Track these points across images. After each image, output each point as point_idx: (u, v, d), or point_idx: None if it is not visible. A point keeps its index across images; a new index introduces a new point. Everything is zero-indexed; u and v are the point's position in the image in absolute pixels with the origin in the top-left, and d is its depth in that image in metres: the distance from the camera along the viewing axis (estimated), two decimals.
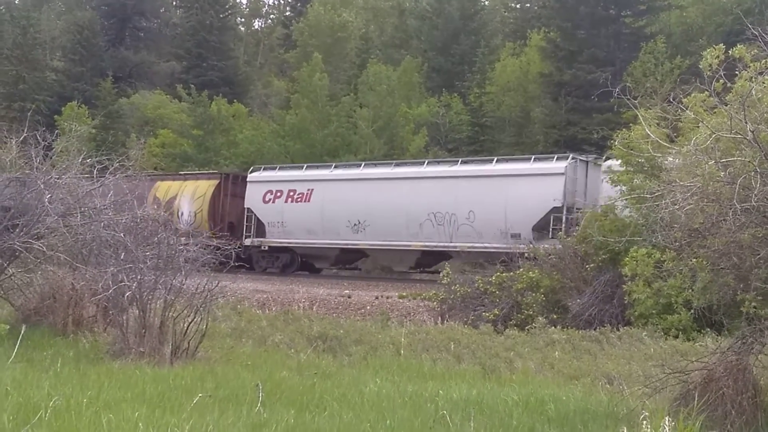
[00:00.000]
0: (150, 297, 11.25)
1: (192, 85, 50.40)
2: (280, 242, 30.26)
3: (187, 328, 11.10)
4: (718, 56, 7.84)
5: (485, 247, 25.98)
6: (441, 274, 19.92)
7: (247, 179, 32.24)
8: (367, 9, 66.77)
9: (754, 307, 7.45)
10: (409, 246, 27.99)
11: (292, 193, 30.75)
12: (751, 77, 7.57)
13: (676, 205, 7.49)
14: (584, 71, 41.59)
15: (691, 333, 14.32)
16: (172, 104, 52.63)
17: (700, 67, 8.03)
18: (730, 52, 7.83)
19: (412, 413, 7.77)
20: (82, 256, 13.51)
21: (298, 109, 44.76)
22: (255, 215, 31.34)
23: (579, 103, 41.94)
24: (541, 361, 12.27)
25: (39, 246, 13.18)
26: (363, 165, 31.88)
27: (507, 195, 25.76)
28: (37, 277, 13.96)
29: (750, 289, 7.43)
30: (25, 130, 15.52)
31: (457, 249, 26.98)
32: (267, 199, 31.12)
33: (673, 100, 9.10)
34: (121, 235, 12.75)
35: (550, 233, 24.48)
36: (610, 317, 15.96)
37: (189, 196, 31.53)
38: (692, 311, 13.74)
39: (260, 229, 31.10)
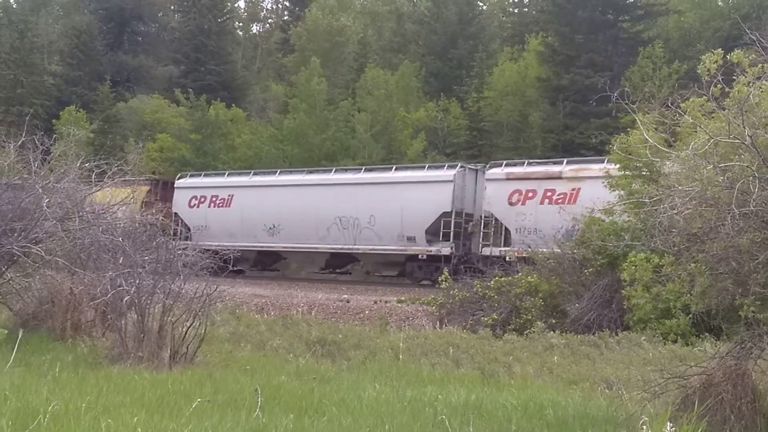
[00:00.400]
0: (148, 301, 11.24)
1: (190, 90, 50.46)
2: (204, 245, 31.59)
3: (185, 333, 11.09)
4: (716, 61, 7.85)
5: (385, 249, 28.46)
6: (439, 279, 19.92)
7: (175, 185, 34.13)
8: (365, 13, 66.86)
9: (753, 312, 7.44)
10: (318, 248, 30.00)
11: (214, 199, 32.71)
12: (749, 82, 7.58)
13: (674, 209, 7.49)
14: (582, 76, 41.62)
15: (690, 338, 14.31)
16: (170, 108, 52.65)
17: (698, 71, 8.04)
18: (728, 56, 7.84)
19: (411, 418, 7.76)
20: (81, 260, 13.49)
21: (296, 113, 44.81)
22: (182, 219, 33.08)
23: (577, 108, 41.96)
24: (539, 366, 12.26)
25: (37, 250, 13.18)
26: (278, 172, 33.94)
27: (403, 201, 27.95)
28: (35, 282, 13.96)
29: (749, 294, 7.42)
30: (23, 135, 15.52)
31: (360, 251, 29.28)
32: (192, 204, 32.97)
33: (672, 104, 9.11)
34: (120, 239, 12.76)
35: (441, 236, 27.00)
36: (609, 322, 15.95)
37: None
38: (691, 316, 13.75)
39: (186, 233, 32.65)
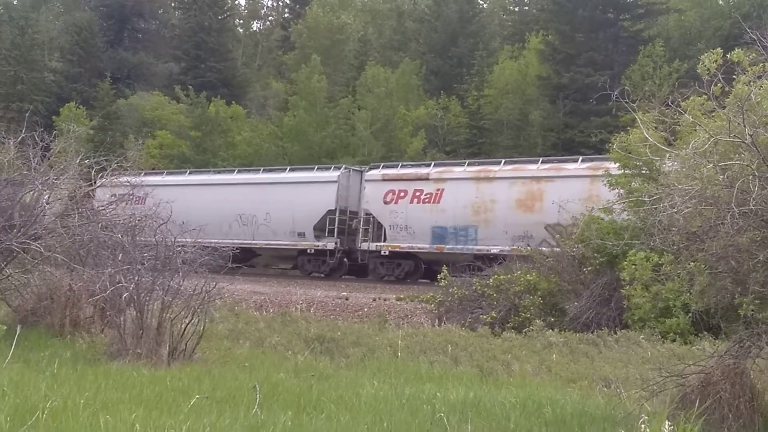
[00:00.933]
0: (147, 298, 11.24)
1: (190, 87, 50.46)
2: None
3: (184, 330, 11.09)
4: (716, 60, 7.84)
5: (279, 244, 30.93)
6: (438, 277, 19.91)
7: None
8: (366, 11, 66.86)
9: (752, 311, 7.43)
10: (221, 243, 31.27)
11: (129, 197, 34.18)
12: (750, 81, 7.57)
13: (674, 208, 7.49)
14: (582, 74, 41.62)
15: (689, 336, 14.30)
16: (171, 105, 52.66)
17: (698, 71, 8.03)
18: (728, 55, 7.82)
19: (410, 415, 7.76)
20: (80, 257, 13.49)
21: (296, 110, 44.83)
22: None
23: (577, 107, 41.97)
24: (538, 364, 12.25)
25: (36, 247, 13.17)
26: (188, 172, 36.07)
27: (294, 199, 30.34)
28: (34, 278, 13.94)
29: (748, 293, 7.42)
30: (23, 131, 15.52)
31: (258, 246, 31.47)
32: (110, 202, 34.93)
33: (672, 103, 9.10)
34: (119, 236, 12.76)
35: (326, 232, 29.58)
36: (608, 320, 15.93)
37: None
38: (690, 315, 13.74)
39: None
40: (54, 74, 60.35)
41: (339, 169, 30.78)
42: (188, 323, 11.16)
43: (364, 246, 28.76)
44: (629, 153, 15.33)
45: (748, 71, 7.67)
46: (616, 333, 14.79)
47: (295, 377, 10.13)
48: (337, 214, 29.49)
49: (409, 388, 9.43)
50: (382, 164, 30.85)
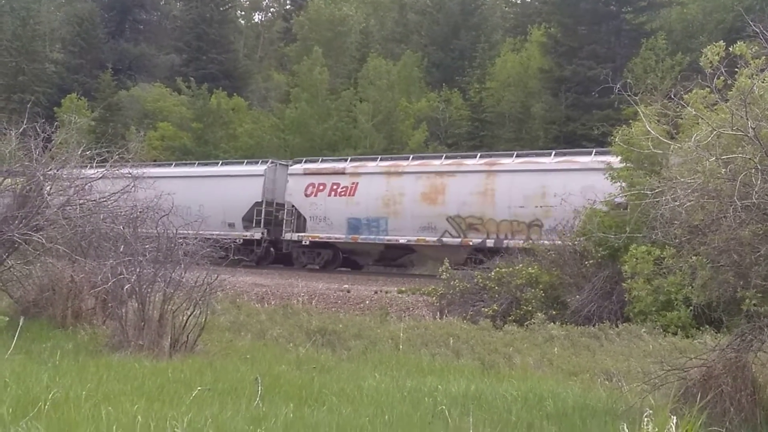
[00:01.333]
0: (149, 290, 11.25)
1: (192, 78, 50.42)
2: None
3: (186, 322, 11.10)
4: (718, 53, 7.82)
5: (211, 234, 31.60)
6: (440, 270, 19.92)
7: None
8: (368, 3, 66.65)
9: (754, 305, 7.43)
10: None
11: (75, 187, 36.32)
12: (752, 74, 7.56)
13: (676, 201, 7.48)
14: (585, 67, 41.54)
15: (691, 330, 14.30)
16: (172, 97, 52.61)
17: (701, 63, 8.01)
18: (730, 49, 7.81)
19: (411, 408, 7.77)
20: (82, 248, 13.50)
21: (297, 102, 44.79)
22: None
23: (579, 99, 41.89)
24: (540, 357, 12.26)
25: (38, 238, 13.18)
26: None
27: (224, 192, 32.05)
28: (36, 269, 13.97)
29: (750, 287, 7.41)
30: (25, 122, 15.51)
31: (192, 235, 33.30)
32: None
33: (674, 96, 9.08)
34: (121, 227, 12.76)
35: (254, 222, 31.39)
36: (609, 313, 15.93)
37: None
38: (692, 308, 13.72)
39: None
40: (55, 65, 60.32)
41: (266, 163, 32.32)
42: (190, 315, 11.17)
43: (288, 236, 30.36)
44: (631, 146, 15.29)
45: (750, 64, 7.65)
46: (617, 326, 14.80)
47: (297, 369, 10.14)
48: (263, 206, 31.09)
49: (410, 381, 9.44)
50: (304, 159, 32.43)
